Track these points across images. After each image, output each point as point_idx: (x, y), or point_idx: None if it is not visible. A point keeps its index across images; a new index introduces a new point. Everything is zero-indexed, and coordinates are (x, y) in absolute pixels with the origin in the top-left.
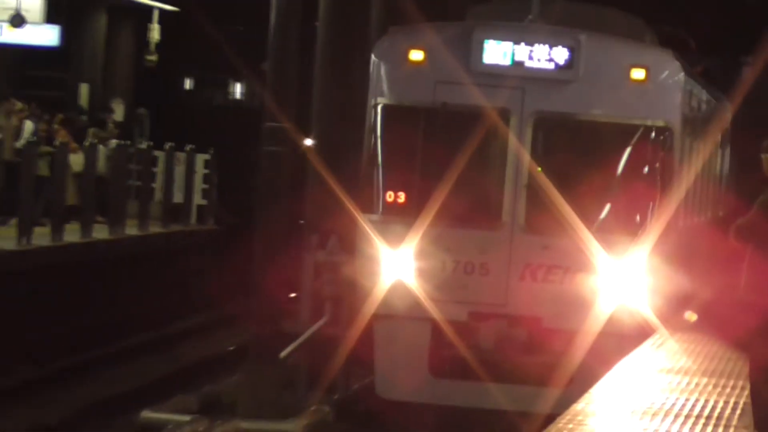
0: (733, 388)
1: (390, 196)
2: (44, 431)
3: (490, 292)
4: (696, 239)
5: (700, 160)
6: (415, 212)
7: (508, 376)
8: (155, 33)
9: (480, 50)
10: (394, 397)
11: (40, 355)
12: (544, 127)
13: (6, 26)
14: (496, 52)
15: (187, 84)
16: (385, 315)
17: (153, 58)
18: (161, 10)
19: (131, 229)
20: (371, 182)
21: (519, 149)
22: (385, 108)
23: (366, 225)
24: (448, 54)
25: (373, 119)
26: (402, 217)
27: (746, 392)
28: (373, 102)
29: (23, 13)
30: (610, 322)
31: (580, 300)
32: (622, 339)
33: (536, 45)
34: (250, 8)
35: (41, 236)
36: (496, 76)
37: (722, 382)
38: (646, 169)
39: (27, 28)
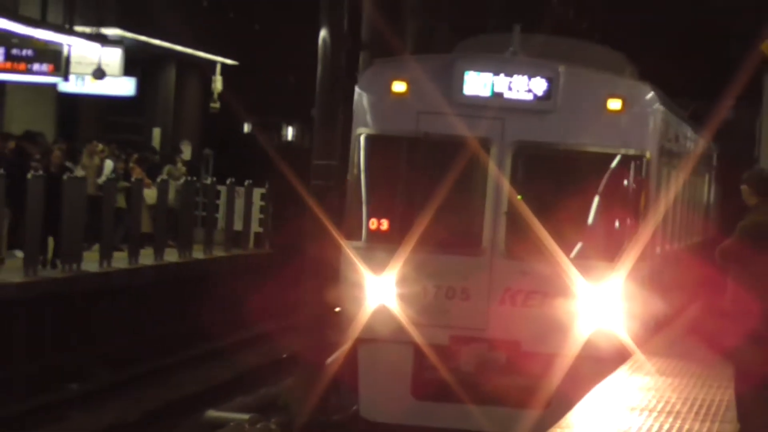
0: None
1: (373, 223)
2: (125, 428)
3: (471, 316)
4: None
5: (680, 189)
6: (398, 239)
7: (488, 398)
8: (218, 83)
9: (461, 81)
10: (378, 419)
11: (119, 361)
12: (523, 156)
13: (90, 79)
14: (477, 83)
15: (246, 127)
16: (369, 339)
17: (216, 105)
18: (223, 64)
19: (197, 253)
20: (355, 210)
21: (499, 178)
22: (368, 138)
23: (350, 251)
24: (430, 85)
25: (357, 149)
26: (385, 243)
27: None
28: (357, 132)
29: (104, 67)
30: (588, 345)
31: (558, 324)
32: (599, 362)
33: (515, 76)
34: (300, 61)
35: (120, 260)
36: (476, 106)
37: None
38: (622, 196)
39: (107, 80)
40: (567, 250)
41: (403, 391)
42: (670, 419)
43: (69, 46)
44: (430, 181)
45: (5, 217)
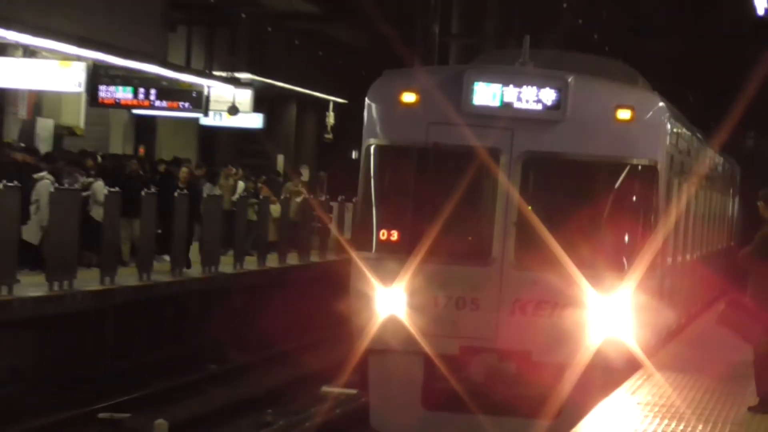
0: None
1: (383, 234)
2: (252, 401)
3: (481, 326)
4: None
5: (694, 200)
6: (407, 249)
7: (498, 408)
8: (331, 118)
9: (470, 92)
10: (388, 431)
11: (251, 345)
12: (532, 166)
13: (225, 114)
14: (486, 93)
15: (354, 154)
16: (379, 350)
17: (329, 136)
18: (335, 102)
19: (314, 257)
20: (365, 221)
21: (509, 188)
22: (378, 148)
23: (360, 262)
24: (440, 96)
25: (366, 159)
26: (395, 254)
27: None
28: (367, 143)
29: (237, 104)
30: (598, 356)
31: (568, 334)
32: (609, 372)
33: (525, 87)
34: None
35: (250, 263)
36: (486, 117)
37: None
38: (632, 206)
39: (240, 115)
40: (576, 260)
41: (414, 402)
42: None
43: (209, 87)
44: (439, 191)
45: (155, 228)
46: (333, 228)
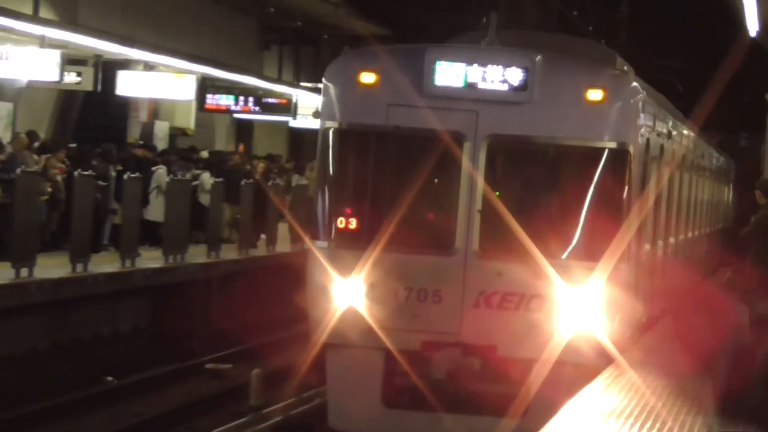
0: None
1: (341, 222)
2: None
3: (444, 320)
4: None
5: (677, 186)
6: (366, 239)
7: (462, 406)
8: None
9: (432, 72)
10: (346, 428)
11: None
12: (498, 150)
13: (311, 117)
14: (449, 74)
15: None
16: (337, 344)
17: None
18: None
19: None
20: (322, 209)
21: (473, 173)
22: (335, 132)
23: (316, 252)
24: (401, 76)
25: (323, 144)
26: (353, 243)
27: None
28: (323, 126)
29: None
30: (567, 350)
31: (536, 328)
32: (579, 368)
33: (489, 66)
34: None
35: None
36: (449, 98)
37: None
38: (604, 193)
39: None
40: (545, 250)
41: (373, 399)
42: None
43: (297, 95)
44: (400, 177)
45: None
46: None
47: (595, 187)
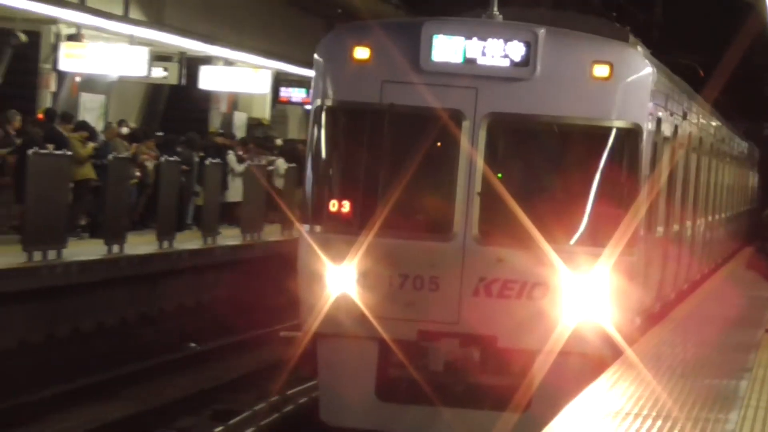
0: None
1: (333, 205)
2: None
3: (441, 308)
4: None
5: (694, 167)
6: (359, 223)
7: (460, 399)
8: None
9: (429, 47)
10: (339, 423)
11: None
12: (498, 129)
13: None
14: (447, 48)
15: None
16: (329, 334)
17: None
18: None
19: None
20: (313, 192)
21: (472, 154)
22: (327, 110)
23: (307, 237)
24: (396, 51)
25: (315, 123)
26: (345, 228)
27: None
28: (315, 104)
29: None
30: (572, 340)
31: (538, 317)
32: (584, 360)
33: (489, 40)
34: None
35: None
36: (446, 74)
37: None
38: (609, 174)
39: None
40: (548, 235)
41: (367, 392)
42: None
43: None
44: (395, 158)
45: None
46: None
47: (601, 169)
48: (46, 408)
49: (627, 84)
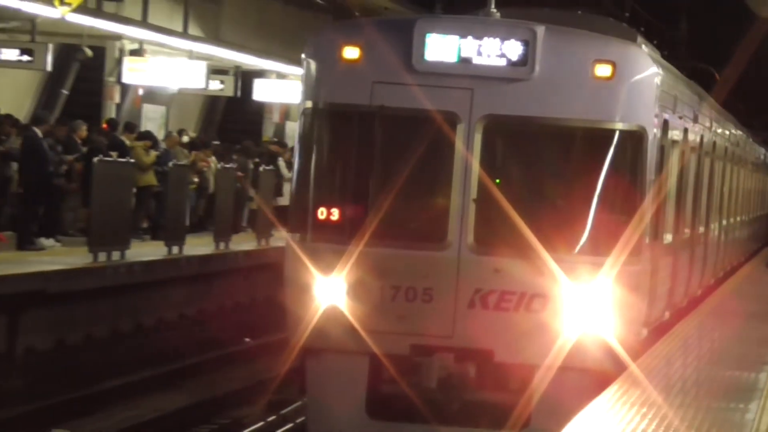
0: None
1: (321, 213)
2: None
3: (435, 321)
4: None
5: (706, 172)
6: (349, 232)
7: (455, 417)
8: None
9: (422, 46)
10: None
11: None
12: (495, 132)
13: None
14: (441, 47)
15: None
16: (317, 348)
17: None
18: None
19: None
20: (301, 198)
21: (467, 158)
22: (315, 113)
23: (295, 246)
24: (387, 51)
25: (303, 126)
26: (334, 237)
27: None
28: (303, 106)
29: None
30: (573, 354)
31: (537, 330)
32: (586, 374)
33: (486, 39)
34: None
35: None
36: (440, 75)
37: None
38: (613, 179)
39: None
40: (547, 244)
41: (357, 409)
42: None
43: None
44: (386, 163)
45: None
46: None
47: (603, 174)
48: (113, 398)
49: (631, 84)
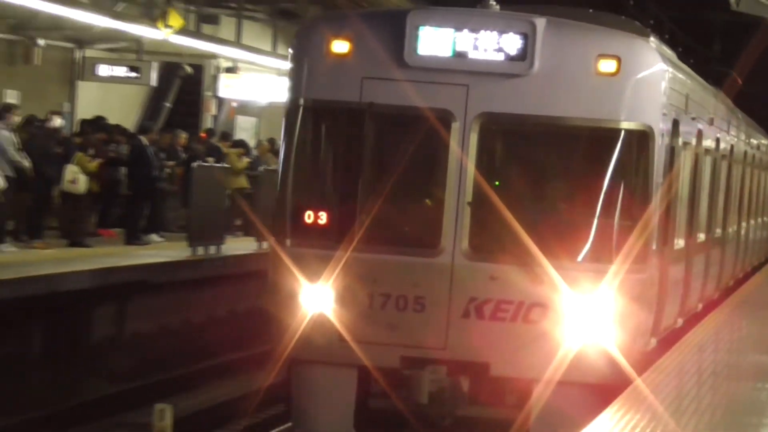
0: None
1: (308, 216)
2: None
3: (427, 332)
4: None
5: (719, 174)
6: (336, 237)
7: None
8: None
9: (414, 39)
10: None
11: None
12: (492, 131)
13: None
14: (434, 41)
15: None
16: (303, 360)
17: None
18: None
19: None
20: (285, 201)
21: (462, 159)
22: (302, 110)
23: (280, 251)
24: (378, 44)
25: (288, 123)
26: (321, 241)
27: None
28: (289, 103)
29: None
30: (573, 368)
31: (536, 342)
32: (587, 388)
33: (482, 32)
34: None
35: None
36: (434, 70)
37: None
38: (617, 182)
39: None
40: (547, 250)
41: (345, 424)
42: None
43: None
44: (377, 163)
45: None
46: None
47: (607, 176)
48: (210, 377)
49: (637, 81)
